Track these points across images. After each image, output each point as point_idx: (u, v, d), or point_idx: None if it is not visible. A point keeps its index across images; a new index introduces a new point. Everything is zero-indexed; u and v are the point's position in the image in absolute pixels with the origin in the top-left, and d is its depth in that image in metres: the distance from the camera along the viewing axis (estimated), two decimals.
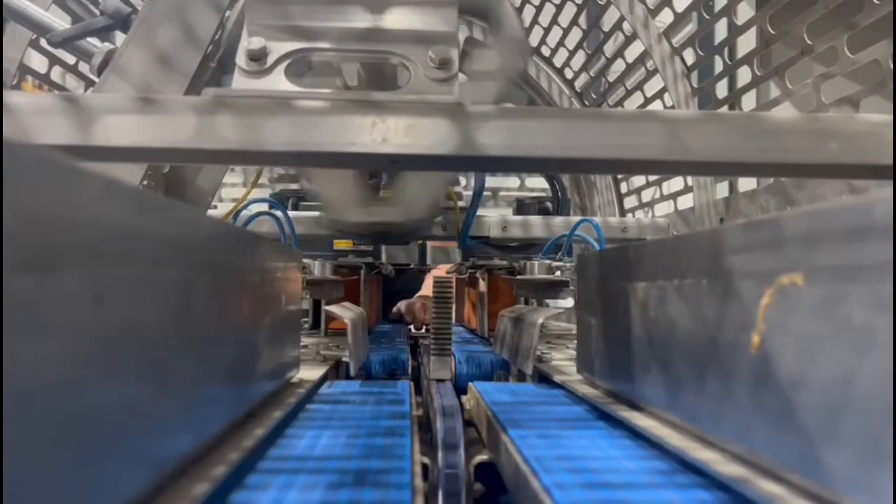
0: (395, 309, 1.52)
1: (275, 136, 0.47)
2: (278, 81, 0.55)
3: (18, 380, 0.17)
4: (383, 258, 1.30)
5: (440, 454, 0.48)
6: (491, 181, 1.95)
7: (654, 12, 1.25)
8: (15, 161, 0.16)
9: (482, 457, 0.49)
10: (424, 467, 0.41)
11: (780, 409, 0.28)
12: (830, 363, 0.25)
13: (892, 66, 0.72)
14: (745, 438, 0.32)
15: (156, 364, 0.25)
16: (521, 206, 1.23)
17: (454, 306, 0.92)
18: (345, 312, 0.73)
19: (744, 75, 1.07)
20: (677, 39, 1.23)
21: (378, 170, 0.86)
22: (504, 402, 0.55)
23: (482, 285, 1.20)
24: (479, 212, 1.09)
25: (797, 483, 0.28)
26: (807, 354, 0.27)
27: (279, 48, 0.56)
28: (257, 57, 0.56)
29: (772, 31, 0.93)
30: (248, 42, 0.56)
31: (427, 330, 1.26)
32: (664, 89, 1.27)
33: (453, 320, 0.88)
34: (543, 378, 0.68)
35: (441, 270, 1.61)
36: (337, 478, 0.33)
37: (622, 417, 0.45)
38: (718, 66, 1.14)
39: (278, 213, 0.93)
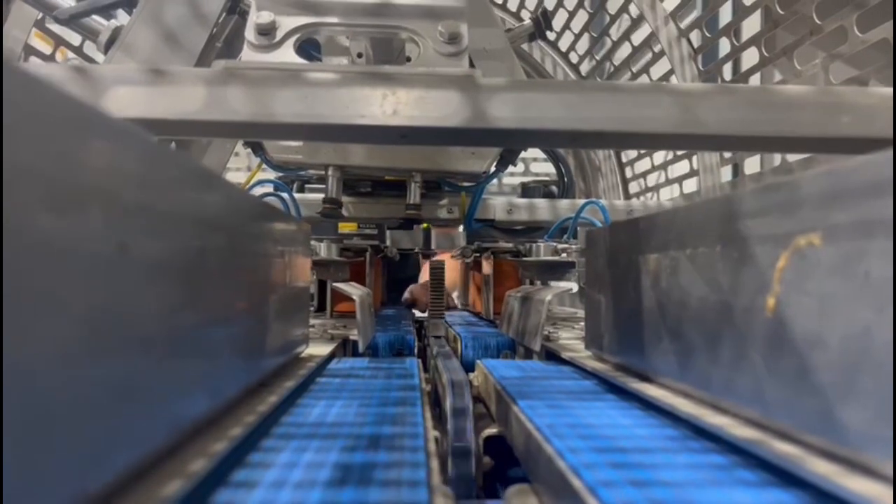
0: (405, 295, 1.53)
1: (285, 108, 0.47)
2: (287, 55, 0.55)
3: (36, 326, 0.17)
4: (388, 242, 1.30)
5: (450, 426, 0.48)
6: None
7: None
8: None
9: (491, 430, 0.49)
10: (435, 440, 0.41)
11: (796, 371, 0.28)
12: (848, 321, 0.25)
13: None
14: (759, 402, 0.32)
15: (172, 320, 0.26)
16: (527, 190, 1.23)
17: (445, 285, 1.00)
18: (353, 290, 0.73)
19: (748, 59, 1.07)
20: (683, 19, 1.22)
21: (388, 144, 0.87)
22: (513, 376, 0.55)
23: (487, 269, 1.20)
24: (485, 195, 1.09)
25: (813, 443, 0.28)
26: (824, 314, 0.27)
27: (288, 22, 0.56)
28: (266, 31, 0.56)
29: (780, 12, 0.92)
30: (257, 16, 0.56)
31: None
32: (671, 72, 1.26)
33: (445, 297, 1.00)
34: (551, 356, 0.68)
35: (445, 255, 1.61)
36: (351, 442, 0.33)
37: (633, 389, 0.45)
38: (724, 49, 1.13)
39: (284, 195, 0.93)
